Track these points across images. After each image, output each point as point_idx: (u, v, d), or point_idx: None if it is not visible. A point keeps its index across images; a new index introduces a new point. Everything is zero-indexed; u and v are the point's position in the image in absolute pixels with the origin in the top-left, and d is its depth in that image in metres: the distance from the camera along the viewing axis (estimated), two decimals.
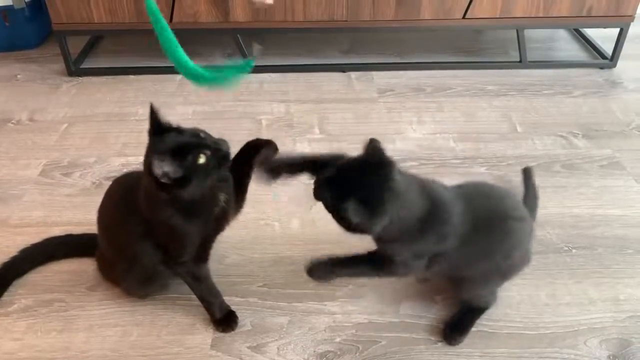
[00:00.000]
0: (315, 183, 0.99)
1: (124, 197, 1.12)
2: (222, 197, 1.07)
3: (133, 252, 1.12)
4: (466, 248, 1.04)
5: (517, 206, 1.14)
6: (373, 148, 0.96)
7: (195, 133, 1.00)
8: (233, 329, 1.19)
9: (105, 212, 1.17)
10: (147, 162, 0.97)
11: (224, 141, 1.01)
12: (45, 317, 1.22)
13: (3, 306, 1.24)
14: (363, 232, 0.96)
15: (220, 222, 1.10)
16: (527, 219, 1.14)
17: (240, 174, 1.13)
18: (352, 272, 1.15)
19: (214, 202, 1.05)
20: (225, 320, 1.19)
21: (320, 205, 1.49)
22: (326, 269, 1.10)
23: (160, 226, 1.05)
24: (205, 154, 0.96)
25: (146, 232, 1.08)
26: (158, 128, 1.00)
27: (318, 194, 0.98)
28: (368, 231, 0.96)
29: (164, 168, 0.93)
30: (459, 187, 1.10)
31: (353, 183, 0.94)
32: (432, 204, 1.00)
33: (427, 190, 1.01)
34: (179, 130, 1.00)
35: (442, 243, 1.02)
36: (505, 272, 1.15)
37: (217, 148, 0.98)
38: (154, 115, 1.00)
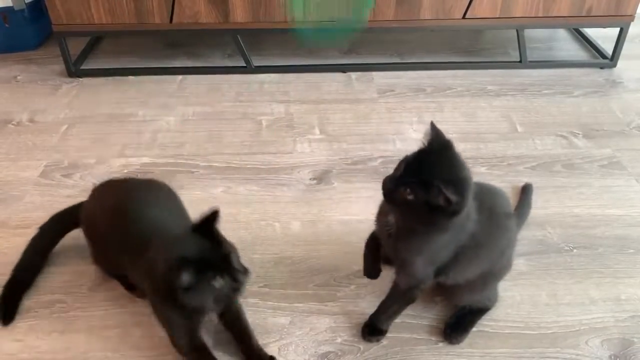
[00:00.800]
0: (384, 186, 0.96)
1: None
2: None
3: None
4: (473, 248, 1.03)
5: (509, 203, 1.14)
6: (436, 133, 0.95)
7: (228, 252, 0.99)
8: None
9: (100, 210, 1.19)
10: (166, 264, 0.95)
11: (247, 271, 1.00)
12: (46, 318, 1.21)
13: None
14: (449, 218, 0.93)
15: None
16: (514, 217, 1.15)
17: None
18: (390, 312, 1.15)
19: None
20: None
21: (319, 206, 1.50)
22: (375, 330, 1.17)
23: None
24: (222, 278, 0.96)
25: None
26: (203, 227, 0.99)
27: (392, 196, 0.95)
28: (459, 211, 0.92)
29: (183, 277, 0.91)
30: None
31: (428, 169, 0.92)
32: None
33: None
34: (217, 240, 0.99)
35: (460, 236, 1.01)
36: (497, 273, 1.15)
37: (235, 278, 0.98)
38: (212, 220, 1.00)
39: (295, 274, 1.32)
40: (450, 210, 0.91)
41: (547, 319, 1.21)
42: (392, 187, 0.94)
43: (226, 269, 0.97)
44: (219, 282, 0.96)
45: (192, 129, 1.84)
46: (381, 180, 0.97)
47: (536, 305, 1.24)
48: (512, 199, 1.49)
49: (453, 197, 0.88)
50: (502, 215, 1.08)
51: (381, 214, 1.07)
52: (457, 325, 1.18)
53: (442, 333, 1.18)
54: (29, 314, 1.22)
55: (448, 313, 1.22)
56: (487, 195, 1.09)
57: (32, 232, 1.38)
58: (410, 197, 0.92)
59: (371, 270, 1.19)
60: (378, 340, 1.16)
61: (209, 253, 0.97)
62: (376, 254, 1.16)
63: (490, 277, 1.14)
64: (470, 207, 0.97)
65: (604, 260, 1.36)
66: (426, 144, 0.95)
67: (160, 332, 1.17)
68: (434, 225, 0.96)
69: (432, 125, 0.96)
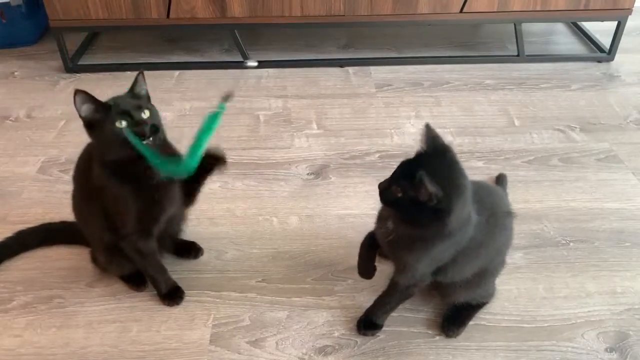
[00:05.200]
0: (380, 187, 0.97)
1: (84, 163, 1.15)
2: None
3: (89, 221, 1.17)
4: (473, 249, 1.03)
5: (508, 202, 1.14)
6: (433, 136, 0.95)
7: (138, 105, 1.05)
8: (178, 304, 1.23)
9: (73, 179, 1.20)
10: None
11: (155, 118, 1.07)
12: (44, 314, 1.22)
13: (2, 303, 1.24)
14: (439, 220, 0.93)
15: (161, 200, 1.11)
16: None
17: (193, 181, 1.19)
18: (387, 307, 1.16)
19: (146, 173, 1.07)
20: (170, 295, 1.23)
21: (317, 201, 1.51)
22: (370, 324, 1.17)
23: (102, 193, 1.09)
24: (125, 120, 1.02)
25: (96, 201, 1.11)
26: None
27: (386, 195, 0.96)
28: (445, 209, 0.92)
29: (83, 107, 1.02)
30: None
31: (421, 166, 0.91)
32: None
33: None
34: (135, 96, 1.08)
35: (461, 241, 1.00)
36: (493, 270, 1.15)
37: (139, 121, 1.04)
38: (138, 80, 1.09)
39: (293, 269, 1.33)
40: (435, 207, 0.90)
41: (543, 312, 1.22)
42: (386, 186, 0.96)
43: (125, 111, 1.03)
44: (121, 124, 1.02)
45: (190, 123, 1.84)
46: (379, 175, 0.97)
47: (533, 299, 1.25)
48: None
49: (433, 189, 0.88)
50: (502, 215, 1.08)
51: (381, 219, 1.07)
52: (454, 318, 1.19)
53: (439, 326, 1.18)
54: (28, 309, 1.23)
55: (445, 306, 1.22)
56: (487, 195, 1.09)
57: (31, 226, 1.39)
58: (399, 194, 0.93)
59: (367, 270, 1.18)
60: (373, 335, 1.17)
61: (126, 104, 1.04)
62: (372, 254, 1.16)
63: (486, 274, 1.14)
64: (468, 212, 0.97)
65: (600, 253, 1.36)
66: (424, 147, 0.95)
67: (160, 327, 1.19)
68: (427, 229, 0.96)
69: (428, 128, 0.96)
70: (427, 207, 0.90)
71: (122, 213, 1.10)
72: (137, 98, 1.07)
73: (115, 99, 1.06)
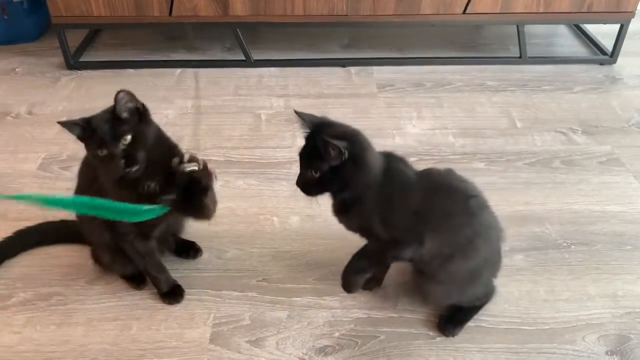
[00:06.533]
0: (299, 186, 1.06)
1: (88, 166, 1.17)
2: (151, 184, 1.09)
3: (89, 221, 1.17)
4: (435, 221, 1.05)
5: (478, 191, 1.10)
6: (305, 117, 1.05)
7: (119, 132, 1.05)
8: (178, 302, 1.23)
9: (78, 179, 1.21)
10: None
11: (140, 141, 1.06)
12: (44, 311, 1.22)
13: (2, 300, 1.24)
14: (359, 164, 1.01)
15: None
16: (490, 211, 1.10)
17: (190, 202, 1.18)
18: (364, 263, 1.15)
19: (138, 183, 1.07)
20: (170, 294, 1.24)
21: (318, 201, 1.50)
22: (353, 277, 1.16)
23: (104, 194, 1.09)
24: (104, 150, 1.04)
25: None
26: None
27: (309, 188, 1.05)
28: (362, 154, 1.01)
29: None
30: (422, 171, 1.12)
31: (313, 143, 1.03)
32: (389, 170, 1.07)
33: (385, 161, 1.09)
34: (116, 117, 1.08)
35: (405, 206, 1.04)
36: (473, 269, 1.11)
37: (113, 152, 1.03)
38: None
39: (294, 268, 1.32)
40: (350, 158, 0.98)
41: (544, 314, 1.22)
42: (302, 178, 1.03)
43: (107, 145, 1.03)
44: (103, 153, 1.03)
45: (191, 122, 1.83)
46: None
47: (534, 301, 1.25)
48: None
49: (338, 143, 0.96)
50: (463, 196, 1.07)
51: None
52: (452, 318, 1.19)
53: (437, 324, 1.18)
54: (27, 306, 1.23)
55: (445, 308, 1.22)
56: (445, 177, 1.10)
57: (30, 224, 1.38)
58: (317, 174, 1.00)
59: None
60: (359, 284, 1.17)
61: (104, 132, 1.05)
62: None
63: (466, 276, 1.11)
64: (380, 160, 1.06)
65: (601, 256, 1.36)
66: (306, 129, 1.04)
67: (160, 325, 1.18)
68: (356, 184, 1.02)
69: (297, 113, 1.05)
70: (345, 166, 0.98)
71: None
72: (118, 120, 1.06)
73: (97, 121, 1.05)
